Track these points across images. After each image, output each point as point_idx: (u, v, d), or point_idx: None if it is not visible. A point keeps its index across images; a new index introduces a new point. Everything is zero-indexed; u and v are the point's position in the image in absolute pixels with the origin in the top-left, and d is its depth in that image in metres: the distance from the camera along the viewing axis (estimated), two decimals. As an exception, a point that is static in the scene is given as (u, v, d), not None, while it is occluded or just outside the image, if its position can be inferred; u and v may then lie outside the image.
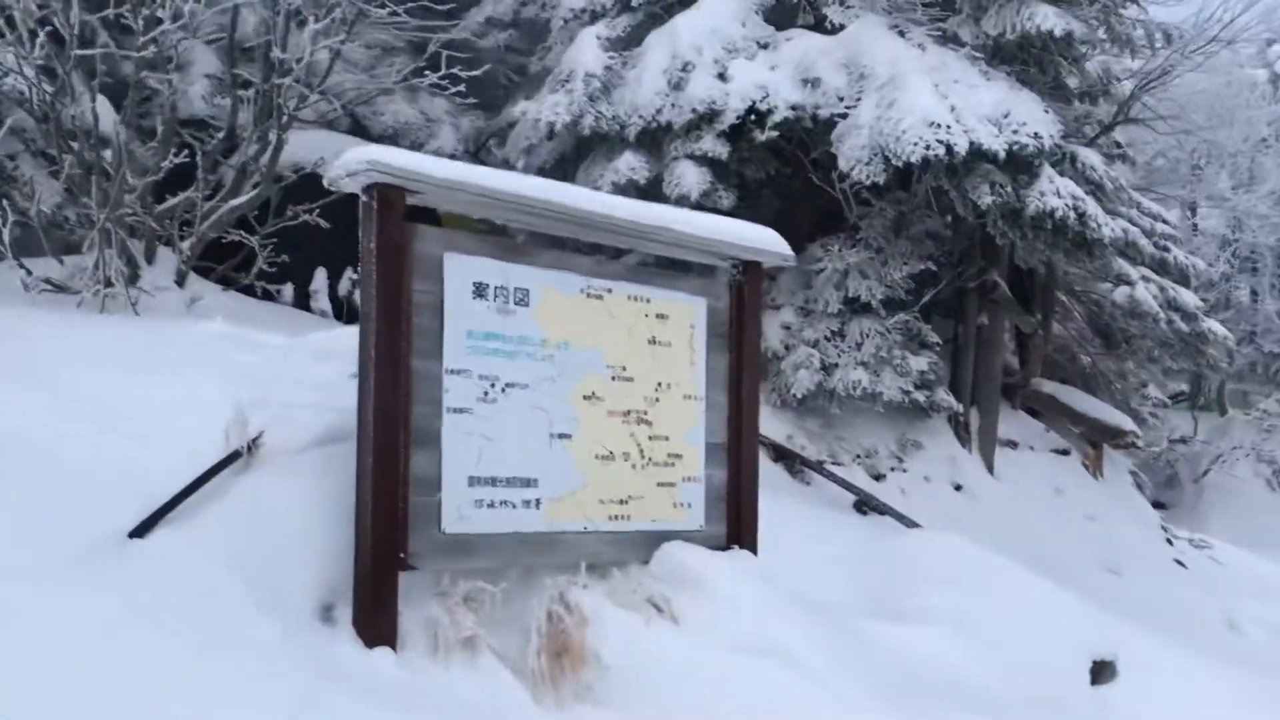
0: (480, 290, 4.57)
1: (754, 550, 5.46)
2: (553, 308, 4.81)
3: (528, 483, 4.64)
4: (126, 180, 7.19)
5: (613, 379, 5.01)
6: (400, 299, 4.28)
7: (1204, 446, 18.96)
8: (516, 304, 4.69)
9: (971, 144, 7.36)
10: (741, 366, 5.53)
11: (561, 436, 4.79)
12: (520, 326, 4.69)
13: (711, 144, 7.88)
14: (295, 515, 4.40)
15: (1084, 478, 10.56)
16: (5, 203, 7.17)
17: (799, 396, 8.14)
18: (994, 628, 5.65)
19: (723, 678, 4.42)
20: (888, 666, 4.92)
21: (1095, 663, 6.00)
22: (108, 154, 7.27)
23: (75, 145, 7.39)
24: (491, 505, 4.51)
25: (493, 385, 4.56)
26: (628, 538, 5.01)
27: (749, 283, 5.60)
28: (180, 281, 7.93)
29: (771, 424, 8.24)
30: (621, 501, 4.99)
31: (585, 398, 4.89)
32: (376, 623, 4.11)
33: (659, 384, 5.19)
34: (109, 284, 7.06)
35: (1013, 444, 10.01)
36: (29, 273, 7.07)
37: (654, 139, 8.19)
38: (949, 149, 7.27)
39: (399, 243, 4.29)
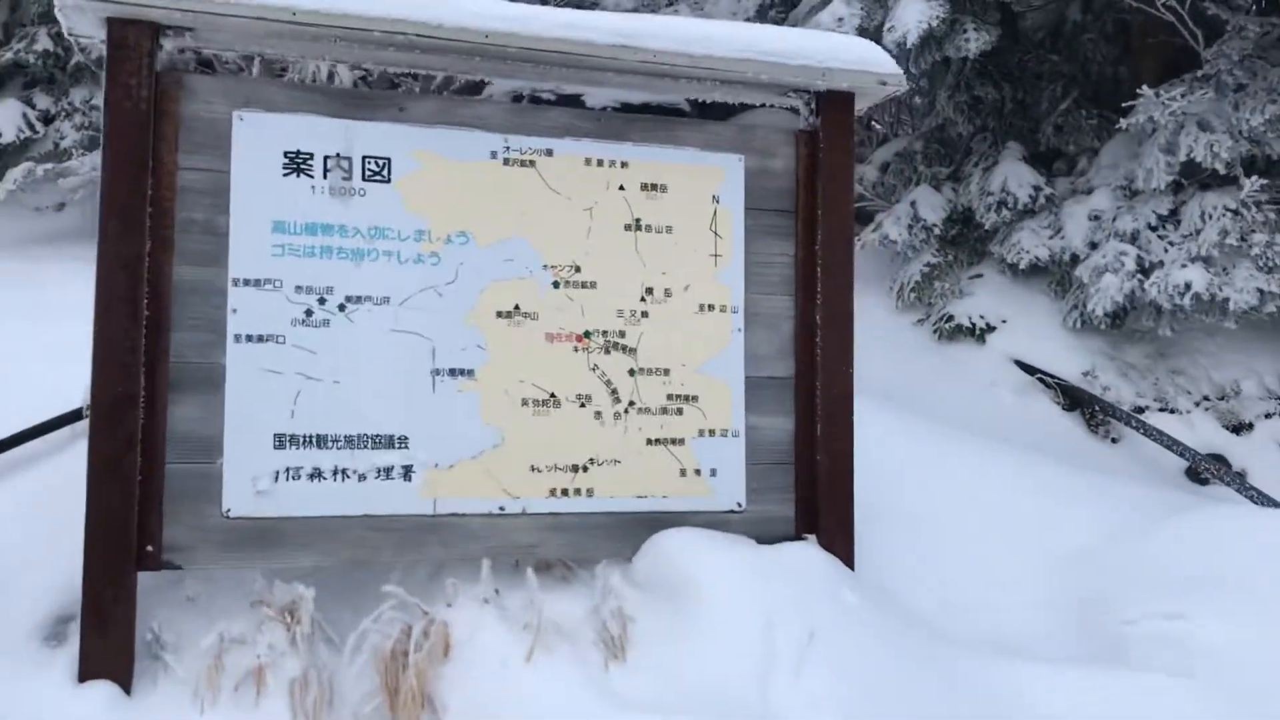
0: (298, 163, 3.12)
1: (845, 542, 3.48)
2: (436, 182, 3.23)
3: (390, 442, 3.13)
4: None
5: (554, 285, 3.31)
6: (145, 181, 2.96)
7: None
8: (368, 179, 3.18)
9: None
10: (817, 258, 3.53)
11: (455, 373, 3.20)
12: (373, 213, 3.17)
13: (943, -34, 5.62)
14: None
15: None
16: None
17: (1102, 313, 5.63)
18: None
19: (615, 765, 2.63)
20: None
21: None
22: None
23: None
24: (316, 476, 3.06)
25: (321, 301, 3.11)
26: (589, 523, 3.31)
27: (831, 126, 3.57)
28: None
29: (1064, 355, 5.86)
30: (575, 468, 3.30)
31: (501, 315, 3.26)
32: (95, 646, 2.85)
33: (648, 290, 3.40)
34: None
35: None
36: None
37: (874, -24, 6.06)
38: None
39: (148, 100, 2.97)
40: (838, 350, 3.54)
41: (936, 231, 6.43)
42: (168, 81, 3.03)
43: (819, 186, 3.54)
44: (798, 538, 3.47)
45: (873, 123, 8.37)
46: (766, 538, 3.40)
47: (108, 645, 2.84)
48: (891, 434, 4.76)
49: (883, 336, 6.21)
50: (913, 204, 6.55)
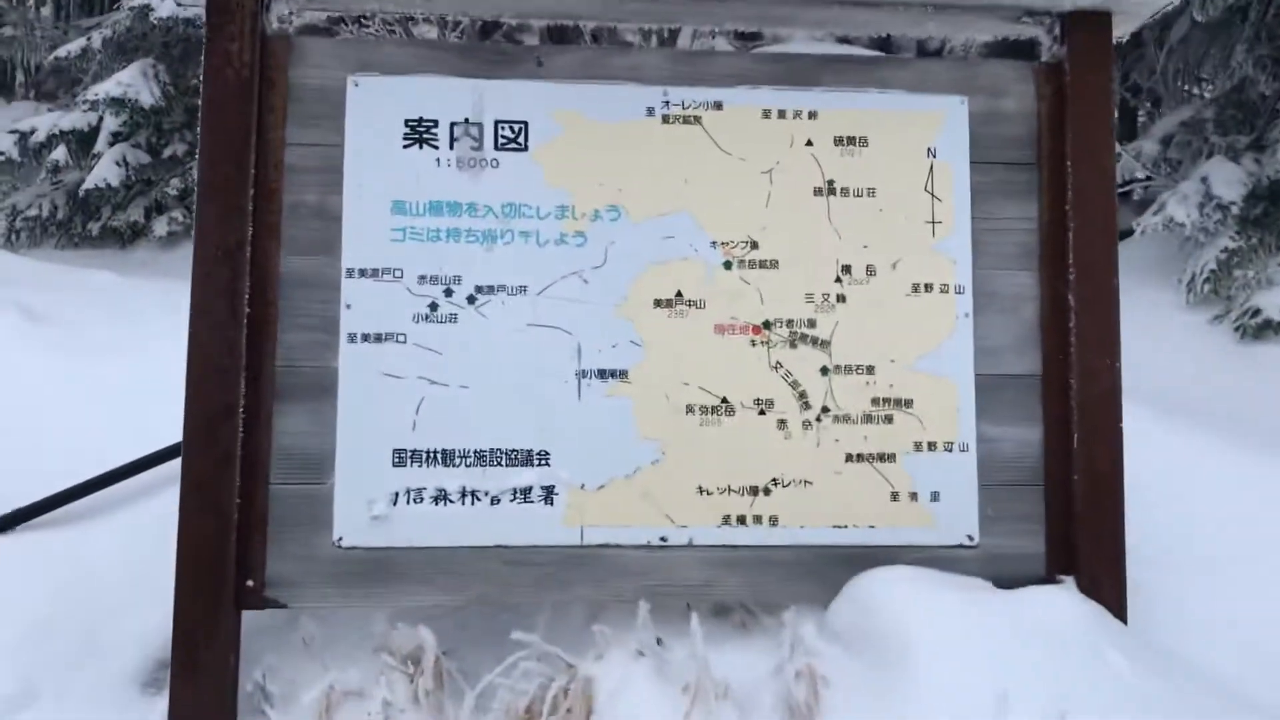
0: (420, 132, 2.67)
1: (1113, 586, 2.68)
2: (581, 148, 2.70)
3: (527, 459, 2.61)
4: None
5: (725, 266, 2.71)
6: (248, 159, 2.58)
7: None
8: (501, 147, 2.69)
9: None
10: (1068, 221, 2.76)
11: (604, 375, 2.65)
12: (507, 187, 2.67)
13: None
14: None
15: None
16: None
17: None
18: None
19: None
20: None
21: None
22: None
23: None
24: (441, 499, 2.58)
25: (448, 292, 2.63)
26: (773, 558, 2.66)
27: (1081, 54, 2.80)
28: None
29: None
30: (755, 491, 2.67)
31: (660, 304, 2.68)
32: (185, 697, 2.46)
33: (845, 269, 2.74)
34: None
35: None
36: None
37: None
38: None
39: (252, 66, 2.61)
40: (1099, 339, 2.74)
41: (1235, 211, 5.35)
42: (275, 45, 2.65)
43: (1068, 132, 2.77)
44: (1049, 580, 2.69)
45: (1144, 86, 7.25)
46: (1007, 580, 2.64)
47: (200, 695, 2.45)
48: (1180, 453, 3.84)
49: (1168, 337, 5.21)
50: (1204, 180, 5.50)
